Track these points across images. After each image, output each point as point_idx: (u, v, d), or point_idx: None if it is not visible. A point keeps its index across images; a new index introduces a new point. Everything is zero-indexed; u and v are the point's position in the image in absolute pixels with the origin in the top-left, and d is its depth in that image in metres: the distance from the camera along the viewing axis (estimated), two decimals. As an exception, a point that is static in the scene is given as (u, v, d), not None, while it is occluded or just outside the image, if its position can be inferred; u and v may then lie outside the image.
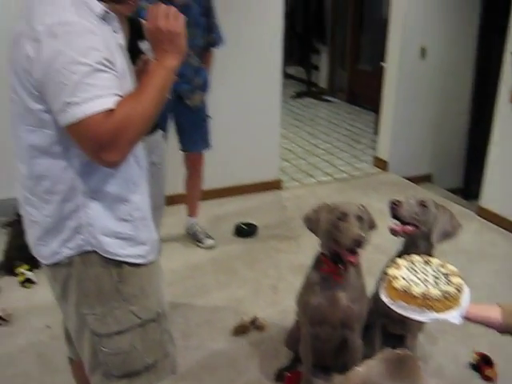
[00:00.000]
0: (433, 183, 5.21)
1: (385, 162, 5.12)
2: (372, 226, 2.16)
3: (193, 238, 3.74)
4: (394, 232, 2.21)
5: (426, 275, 1.57)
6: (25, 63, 1.24)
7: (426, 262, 1.64)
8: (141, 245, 1.48)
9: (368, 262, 2.26)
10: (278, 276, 3.35)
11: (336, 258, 2.09)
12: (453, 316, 1.46)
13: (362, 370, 1.16)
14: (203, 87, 3.33)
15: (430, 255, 2.07)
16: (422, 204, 2.20)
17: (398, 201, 2.21)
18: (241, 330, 2.81)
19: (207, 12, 3.24)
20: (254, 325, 2.84)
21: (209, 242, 3.69)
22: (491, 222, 4.08)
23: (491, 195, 4.13)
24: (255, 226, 3.92)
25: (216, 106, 4.17)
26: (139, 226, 1.46)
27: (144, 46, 1.55)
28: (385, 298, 1.54)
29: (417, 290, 1.47)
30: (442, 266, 1.62)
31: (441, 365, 2.60)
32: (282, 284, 3.26)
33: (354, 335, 2.23)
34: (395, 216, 2.21)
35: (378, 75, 5.34)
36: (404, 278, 1.54)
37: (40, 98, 1.26)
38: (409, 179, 4.99)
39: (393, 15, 4.78)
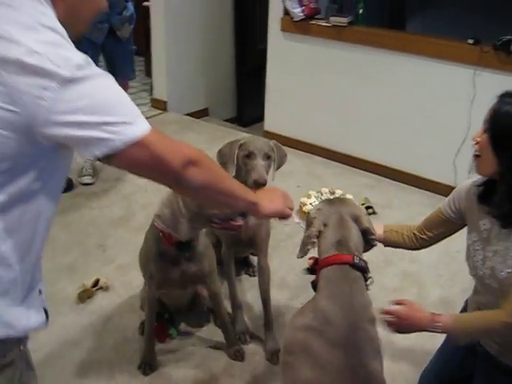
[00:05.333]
0: (210, 116, 5.41)
1: (164, 102, 5.11)
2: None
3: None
4: None
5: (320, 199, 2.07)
6: None
7: (332, 193, 2.14)
8: None
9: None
10: (101, 233, 3.19)
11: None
12: None
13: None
14: (131, 20, 3.51)
15: None
16: None
17: None
18: (85, 296, 2.63)
19: None
20: (97, 287, 2.70)
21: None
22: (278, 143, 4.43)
23: (273, 119, 4.47)
24: (70, 179, 3.61)
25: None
26: None
27: None
28: (297, 219, 1.87)
29: None
30: (343, 195, 2.11)
31: (283, 277, 2.84)
32: (108, 240, 3.12)
33: (210, 285, 2.23)
34: None
35: (141, 17, 5.17)
36: (311, 204, 2.04)
37: None
38: (189, 115, 5.10)
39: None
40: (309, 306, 1.51)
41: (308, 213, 1.79)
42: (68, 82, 0.95)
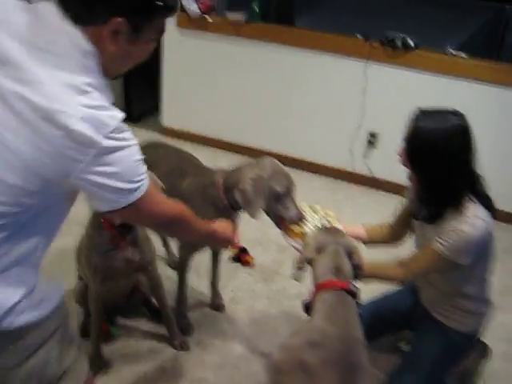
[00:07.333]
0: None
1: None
2: None
3: None
4: None
5: (313, 219, 2.09)
6: None
7: (313, 210, 2.15)
8: None
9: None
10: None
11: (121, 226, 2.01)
12: None
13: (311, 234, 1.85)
14: None
15: None
16: None
17: None
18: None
19: None
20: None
21: None
22: (179, 138, 4.47)
23: (172, 114, 4.50)
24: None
25: None
26: None
27: None
28: (289, 240, 2.03)
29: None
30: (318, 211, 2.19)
31: (209, 267, 2.91)
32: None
33: (152, 274, 2.28)
34: None
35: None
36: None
37: None
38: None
39: None
40: (305, 327, 1.61)
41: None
42: (105, 150, 1.09)
